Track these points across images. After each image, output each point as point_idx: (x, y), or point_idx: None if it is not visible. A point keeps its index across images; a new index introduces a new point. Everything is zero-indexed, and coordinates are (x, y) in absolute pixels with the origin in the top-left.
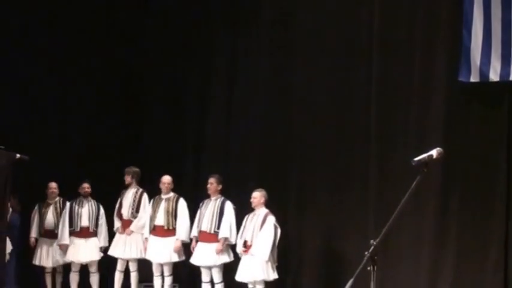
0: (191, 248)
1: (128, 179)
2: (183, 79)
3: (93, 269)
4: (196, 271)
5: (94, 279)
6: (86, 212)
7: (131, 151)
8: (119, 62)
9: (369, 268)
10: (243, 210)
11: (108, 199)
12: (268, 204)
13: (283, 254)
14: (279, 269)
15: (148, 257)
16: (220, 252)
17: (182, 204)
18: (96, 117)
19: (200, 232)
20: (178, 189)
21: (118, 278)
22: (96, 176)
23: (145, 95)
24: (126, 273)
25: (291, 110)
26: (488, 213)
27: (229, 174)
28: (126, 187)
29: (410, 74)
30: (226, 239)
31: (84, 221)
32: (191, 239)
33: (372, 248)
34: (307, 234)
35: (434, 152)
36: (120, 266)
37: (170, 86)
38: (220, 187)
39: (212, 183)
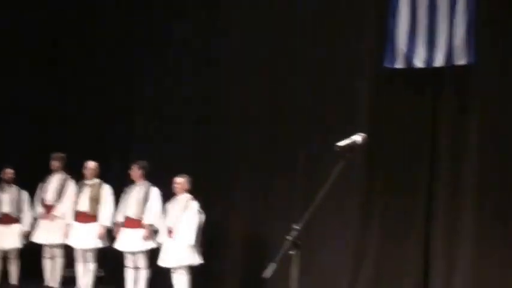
0: (114, 233)
1: (54, 164)
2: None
3: (12, 255)
4: (121, 257)
5: (14, 267)
6: (7, 198)
7: (57, 137)
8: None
9: (291, 253)
10: (169, 194)
11: (34, 185)
12: (191, 190)
13: (208, 238)
14: (204, 253)
15: (71, 243)
16: (146, 238)
17: (106, 189)
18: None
19: (125, 218)
20: (107, 175)
21: (46, 264)
22: (21, 162)
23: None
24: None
25: (218, 92)
26: (411, 197)
27: (155, 158)
28: (51, 172)
29: (335, 59)
30: (151, 225)
31: (5, 207)
32: (114, 224)
33: (294, 232)
34: (232, 218)
35: (358, 137)
36: (46, 253)
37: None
38: (144, 173)
39: (134, 170)
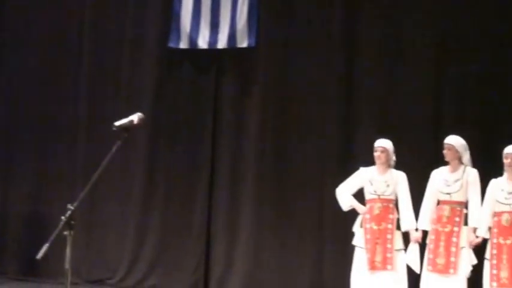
0: None
1: None
2: None
3: None
4: None
5: None
6: None
7: None
8: None
9: (65, 233)
10: None
11: None
12: None
13: None
14: None
15: None
16: None
17: None
18: None
19: None
20: None
21: None
22: None
23: None
24: None
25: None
26: (194, 178)
27: None
28: None
29: (121, 38)
30: None
31: None
32: None
33: (69, 212)
34: (12, 198)
35: (135, 117)
36: None
37: None
38: None
39: None
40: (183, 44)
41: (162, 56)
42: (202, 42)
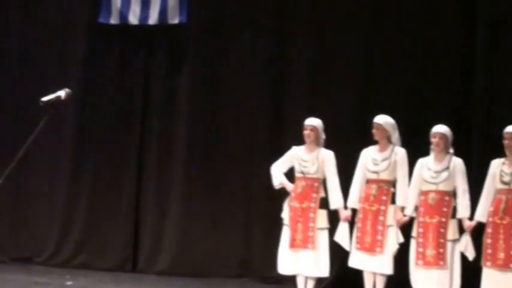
0: None
1: None
2: None
3: None
4: None
5: None
6: None
7: None
8: None
9: None
10: None
11: None
12: None
13: None
14: None
15: None
16: None
17: None
18: None
19: None
20: None
21: None
22: None
23: None
24: None
25: None
26: (123, 156)
27: None
28: None
29: (50, 12)
30: None
31: None
32: None
33: None
34: None
35: (62, 93)
36: None
37: None
38: None
39: None
40: (114, 20)
41: (93, 31)
42: (133, 18)
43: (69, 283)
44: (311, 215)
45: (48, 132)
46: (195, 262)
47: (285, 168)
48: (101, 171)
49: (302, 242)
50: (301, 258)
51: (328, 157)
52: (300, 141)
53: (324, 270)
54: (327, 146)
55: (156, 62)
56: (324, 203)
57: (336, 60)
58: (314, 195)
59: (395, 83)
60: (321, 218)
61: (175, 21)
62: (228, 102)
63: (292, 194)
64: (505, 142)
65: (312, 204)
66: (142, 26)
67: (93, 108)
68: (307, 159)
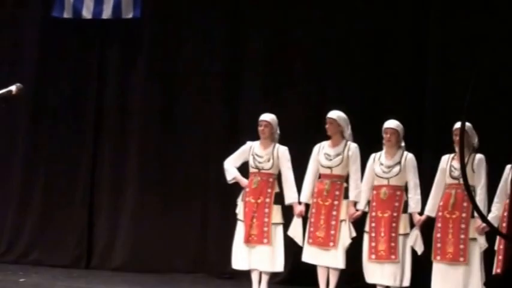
0: None
1: None
2: None
3: None
4: None
5: None
6: None
7: None
8: None
9: None
10: None
11: None
12: None
13: None
14: None
15: None
16: None
17: None
18: None
19: None
20: None
21: None
22: None
23: None
24: None
25: None
26: (76, 153)
27: None
28: None
29: (2, 5)
30: None
31: None
32: None
33: None
34: None
35: (13, 88)
36: None
37: None
38: None
39: None
40: (67, 14)
41: (46, 26)
42: (87, 13)
43: (22, 280)
44: (266, 210)
45: (0, 127)
46: (149, 258)
47: (239, 163)
48: (53, 168)
49: (257, 237)
50: (256, 254)
51: (282, 152)
52: (255, 136)
53: (279, 265)
54: (282, 141)
55: (109, 57)
56: (279, 199)
57: (290, 56)
58: (269, 190)
59: (349, 78)
60: (276, 214)
61: (129, 15)
62: (182, 97)
63: (247, 189)
64: (455, 138)
65: (267, 200)
66: (96, 21)
67: (46, 103)
68: (262, 155)
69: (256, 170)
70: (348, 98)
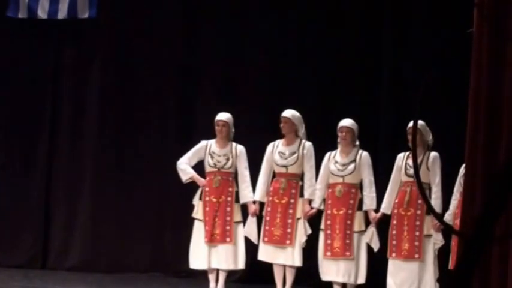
0: None
1: None
2: None
3: None
4: None
5: None
6: None
7: None
8: None
9: None
10: None
11: None
12: None
13: None
14: None
15: None
16: None
17: None
18: None
19: None
20: None
21: None
22: None
23: None
24: None
25: None
26: (31, 153)
27: None
28: None
29: None
30: None
31: None
32: None
33: None
34: None
35: None
36: None
37: None
38: None
39: None
40: (22, 14)
41: (1, 26)
42: (42, 12)
43: None
44: (228, 209)
45: None
46: (106, 258)
47: (193, 162)
48: (9, 167)
49: (220, 236)
50: (218, 253)
51: (240, 151)
52: (211, 135)
53: (241, 263)
54: (238, 139)
55: (65, 57)
56: (237, 197)
57: (246, 55)
58: (230, 189)
59: (304, 78)
60: (237, 212)
61: (85, 15)
62: (139, 97)
63: (206, 189)
64: (409, 137)
65: (229, 198)
66: (51, 21)
67: (1, 104)
68: (220, 154)
69: (215, 169)
70: (302, 98)
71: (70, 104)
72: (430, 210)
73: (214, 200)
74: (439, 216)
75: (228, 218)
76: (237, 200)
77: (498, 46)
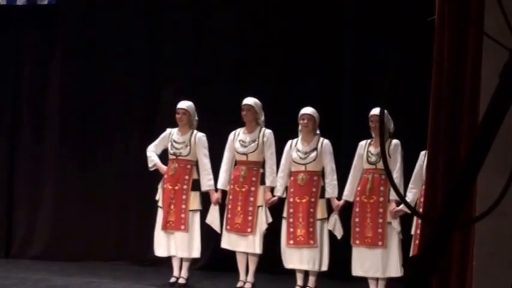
0: None
1: None
2: None
3: None
4: None
5: None
6: None
7: None
8: None
9: None
10: None
11: None
12: None
13: None
14: None
15: None
16: None
17: None
18: None
19: None
20: None
21: None
22: None
23: None
24: None
25: None
26: None
27: None
28: None
29: None
30: None
31: None
32: None
33: None
34: None
35: None
36: None
37: None
38: None
39: None
40: None
41: None
42: None
43: None
44: (183, 197)
45: None
46: (70, 246)
47: (159, 150)
48: None
49: (175, 223)
50: (174, 240)
51: (199, 139)
52: (176, 123)
53: (195, 252)
54: (201, 127)
55: (26, 44)
56: (197, 185)
57: (211, 42)
58: (186, 177)
59: (265, 66)
60: (193, 200)
61: (44, 1)
62: (102, 83)
63: (165, 176)
64: (371, 124)
65: (185, 186)
66: (11, 6)
67: None
68: (179, 141)
69: (174, 157)
70: (262, 87)
71: (31, 94)
72: (397, 195)
73: (170, 187)
74: (406, 201)
75: (184, 206)
76: (195, 188)
77: (460, 36)
